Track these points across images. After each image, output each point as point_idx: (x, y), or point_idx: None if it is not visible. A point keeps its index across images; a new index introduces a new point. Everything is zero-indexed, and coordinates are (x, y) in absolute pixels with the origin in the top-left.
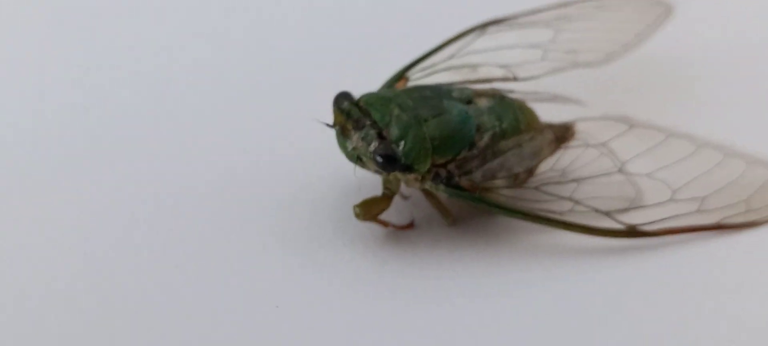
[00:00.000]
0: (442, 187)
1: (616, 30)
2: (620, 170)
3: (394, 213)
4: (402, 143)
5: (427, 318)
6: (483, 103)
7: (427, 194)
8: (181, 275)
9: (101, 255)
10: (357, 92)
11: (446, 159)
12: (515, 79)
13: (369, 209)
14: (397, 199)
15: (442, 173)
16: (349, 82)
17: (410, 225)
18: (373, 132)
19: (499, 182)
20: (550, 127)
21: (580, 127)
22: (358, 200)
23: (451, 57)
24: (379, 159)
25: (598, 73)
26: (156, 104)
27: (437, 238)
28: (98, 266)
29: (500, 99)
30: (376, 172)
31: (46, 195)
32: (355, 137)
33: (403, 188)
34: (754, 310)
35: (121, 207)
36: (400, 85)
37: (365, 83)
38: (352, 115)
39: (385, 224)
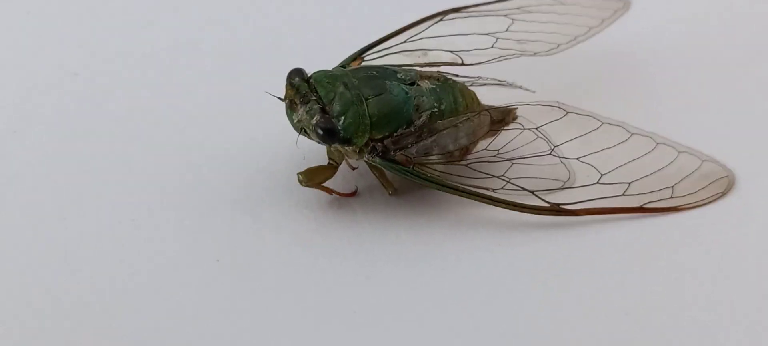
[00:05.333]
0: (377, 159)
1: (569, 23)
2: (552, 153)
3: (340, 182)
4: (342, 119)
5: (357, 279)
6: (426, 84)
7: (371, 165)
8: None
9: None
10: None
11: (383, 135)
12: (462, 63)
13: (312, 177)
14: (345, 169)
15: (379, 147)
16: (309, 62)
17: (353, 193)
18: (316, 106)
19: (433, 158)
20: (490, 110)
21: (519, 112)
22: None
23: (406, 41)
24: (320, 131)
25: (543, 62)
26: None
27: (376, 206)
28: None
29: (443, 81)
30: (320, 143)
31: None
32: (301, 111)
33: (350, 159)
34: (667, 288)
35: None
36: (355, 65)
37: (324, 64)
38: (300, 90)
39: (329, 191)
